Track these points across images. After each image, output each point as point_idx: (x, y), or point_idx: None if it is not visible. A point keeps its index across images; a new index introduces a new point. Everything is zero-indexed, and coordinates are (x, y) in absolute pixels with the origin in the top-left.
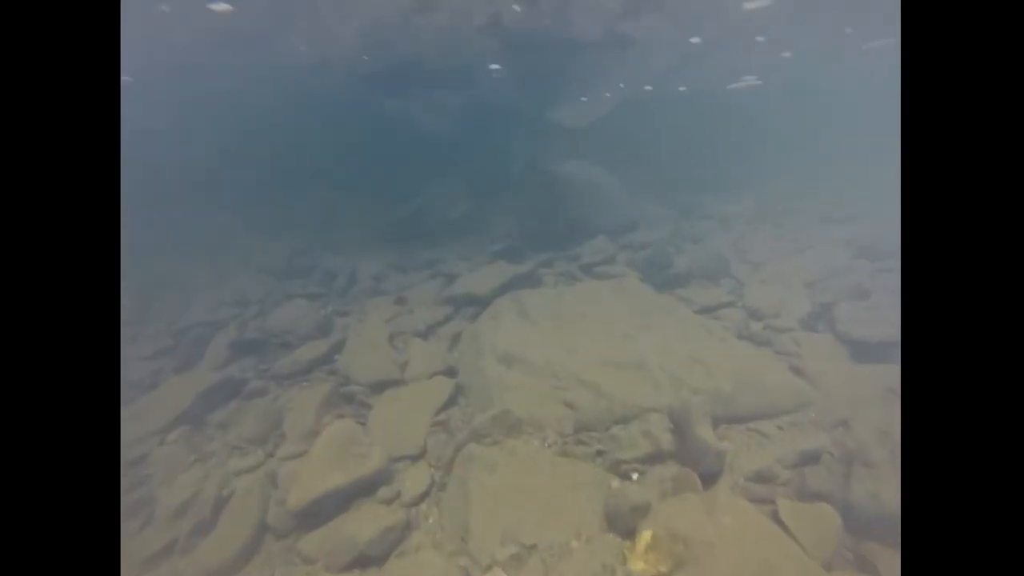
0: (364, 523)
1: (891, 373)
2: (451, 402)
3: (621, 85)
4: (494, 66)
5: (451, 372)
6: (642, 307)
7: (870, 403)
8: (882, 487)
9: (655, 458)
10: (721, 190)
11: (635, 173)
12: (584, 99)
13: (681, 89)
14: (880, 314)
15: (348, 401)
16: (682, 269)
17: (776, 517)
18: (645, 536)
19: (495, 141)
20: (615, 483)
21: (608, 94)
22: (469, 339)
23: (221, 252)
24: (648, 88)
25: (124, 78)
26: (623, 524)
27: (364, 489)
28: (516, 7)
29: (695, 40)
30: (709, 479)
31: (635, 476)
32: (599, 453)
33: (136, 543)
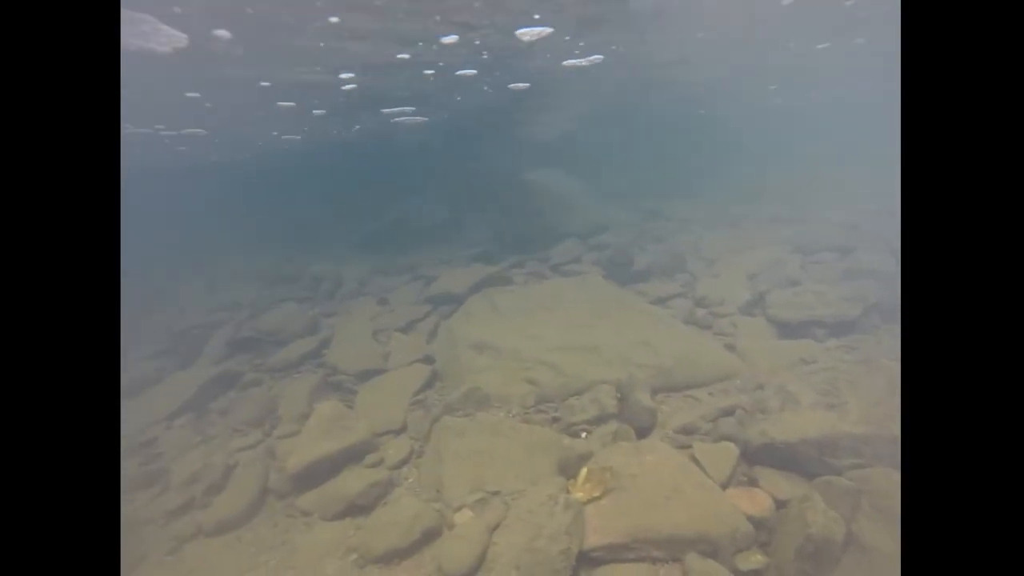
0: (353, 481)
1: (804, 347)
2: (428, 385)
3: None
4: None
5: (428, 360)
6: (601, 300)
7: (783, 370)
8: (770, 426)
9: (601, 420)
10: (686, 195)
11: (606, 181)
12: (554, 114)
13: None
14: (803, 299)
15: (336, 389)
16: (642, 266)
17: (691, 455)
18: (583, 473)
19: (473, 154)
20: (567, 441)
21: (577, 110)
22: (445, 332)
23: (214, 265)
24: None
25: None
26: (571, 470)
27: (352, 456)
28: (485, 55)
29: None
30: (643, 432)
31: (584, 435)
32: (555, 419)
33: (159, 503)
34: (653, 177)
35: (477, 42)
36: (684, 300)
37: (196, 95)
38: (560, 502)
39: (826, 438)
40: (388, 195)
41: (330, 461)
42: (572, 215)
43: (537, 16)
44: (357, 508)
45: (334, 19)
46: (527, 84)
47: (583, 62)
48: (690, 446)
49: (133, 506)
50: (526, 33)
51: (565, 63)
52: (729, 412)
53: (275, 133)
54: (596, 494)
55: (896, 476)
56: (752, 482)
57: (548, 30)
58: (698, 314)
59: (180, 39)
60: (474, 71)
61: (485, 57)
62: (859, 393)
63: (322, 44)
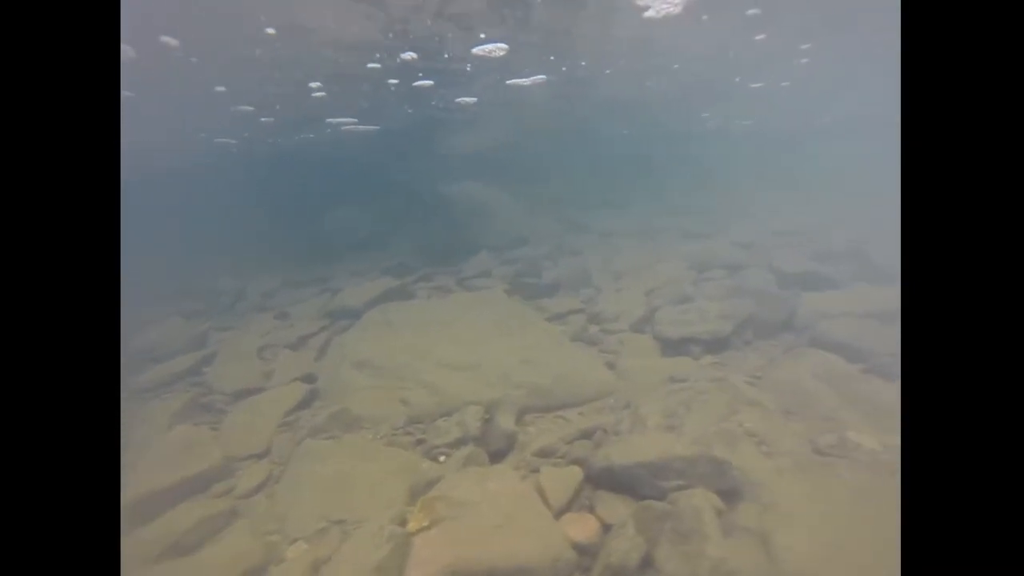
0: (186, 517)
1: (680, 364)
2: (304, 405)
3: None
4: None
5: (310, 379)
6: (498, 316)
7: (653, 389)
8: (614, 449)
9: (462, 442)
10: (613, 209)
11: (534, 193)
12: (485, 128)
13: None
14: (687, 316)
15: (206, 410)
16: (550, 281)
17: (536, 481)
18: (419, 503)
19: (398, 168)
20: (424, 465)
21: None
22: (335, 348)
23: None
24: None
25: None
26: (420, 495)
27: (199, 486)
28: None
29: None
30: (499, 456)
31: (442, 458)
32: (420, 441)
33: None
34: (582, 190)
35: (446, 56)
36: (581, 316)
37: (130, 94)
38: (385, 534)
39: (659, 461)
40: (314, 207)
41: (169, 494)
42: (490, 228)
43: (483, 35)
44: (181, 549)
45: (270, 30)
46: (474, 99)
47: (526, 82)
48: (539, 470)
49: None
50: (482, 50)
51: (509, 82)
52: (589, 434)
53: (203, 135)
54: (425, 524)
55: (699, 498)
56: (590, 507)
57: (503, 47)
58: (591, 331)
59: (127, 51)
60: (431, 82)
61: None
62: (700, 414)
63: (275, 52)
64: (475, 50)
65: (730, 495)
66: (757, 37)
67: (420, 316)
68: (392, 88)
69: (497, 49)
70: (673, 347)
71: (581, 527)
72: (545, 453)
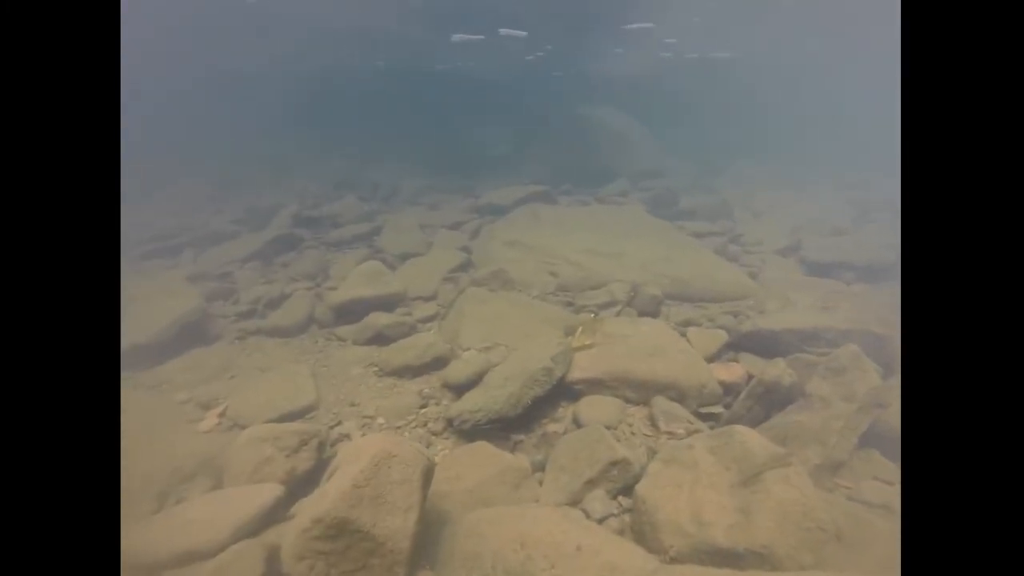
0: (383, 319)
1: (826, 284)
2: (462, 268)
3: (670, 41)
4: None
5: (466, 250)
6: (637, 223)
7: (792, 292)
8: (761, 319)
9: (610, 305)
10: (754, 155)
11: (672, 131)
12: (621, 50)
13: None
14: (843, 246)
15: (381, 263)
16: (686, 207)
17: (683, 332)
18: (581, 326)
19: (540, 89)
20: (578, 317)
21: (650, 51)
22: (487, 231)
23: (288, 163)
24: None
25: None
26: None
27: (386, 305)
28: None
29: None
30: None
31: (592, 315)
32: (569, 303)
33: (230, 308)
34: (722, 133)
35: None
36: (721, 238)
37: None
38: (554, 342)
39: (809, 329)
40: (454, 124)
41: (367, 303)
42: (628, 157)
43: None
44: (384, 338)
45: None
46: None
47: None
48: (684, 333)
49: (212, 308)
50: None
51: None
52: (731, 313)
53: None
54: (587, 342)
55: (856, 350)
56: (736, 360)
57: None
58: (731, 249)
59: None
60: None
61: None
62: (857, 304)
63: None
64: None
65: (889, 368)
66: None
67: (564, 215)
68: None
69: None
70: (821, 269)
71: (727, 371)
72: (688, 323)
